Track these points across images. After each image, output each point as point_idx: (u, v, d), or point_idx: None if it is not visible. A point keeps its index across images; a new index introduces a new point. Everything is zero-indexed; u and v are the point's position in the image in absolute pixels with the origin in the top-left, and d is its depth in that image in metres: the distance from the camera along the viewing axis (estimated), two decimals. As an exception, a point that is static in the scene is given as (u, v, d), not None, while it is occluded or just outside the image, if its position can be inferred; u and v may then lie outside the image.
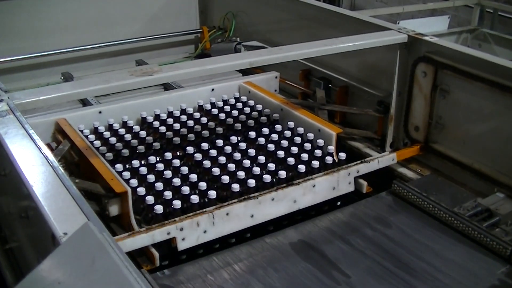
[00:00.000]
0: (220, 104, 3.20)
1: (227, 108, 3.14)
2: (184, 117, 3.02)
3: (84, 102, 3.32)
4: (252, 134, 2.81)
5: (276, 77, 3.50)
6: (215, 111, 3.13)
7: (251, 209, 2.35)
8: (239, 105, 3.18)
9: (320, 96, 3.36)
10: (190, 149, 2.68)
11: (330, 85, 3.43)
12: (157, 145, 2.72)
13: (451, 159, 2.82)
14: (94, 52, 4.19)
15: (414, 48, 2.82)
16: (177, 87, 3.52)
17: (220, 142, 2.72)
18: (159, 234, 2.17)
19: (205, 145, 2.67)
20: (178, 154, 2.73)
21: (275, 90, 3.50)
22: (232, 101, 3.21)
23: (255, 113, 3.09)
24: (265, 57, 2.46)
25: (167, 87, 3.60)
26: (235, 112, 3.08)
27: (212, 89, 3.27)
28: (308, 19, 3.57)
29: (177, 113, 3.06)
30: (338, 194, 2.62)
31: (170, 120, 2.97)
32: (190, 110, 3.09)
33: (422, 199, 2.59)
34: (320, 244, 2.36)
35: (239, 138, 2.84)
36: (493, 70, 2.54)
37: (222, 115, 3.05)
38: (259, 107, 3.12)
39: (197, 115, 3.05)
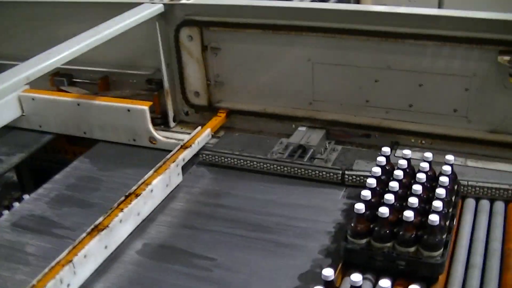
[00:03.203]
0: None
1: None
2: None
3: None
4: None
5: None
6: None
7: (105, 240, 2.05)
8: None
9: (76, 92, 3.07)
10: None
11: (77, 80, 3.15)
12: None
13: (241, 111, 2.79)
14: None
15: (173, 15, 2.67)
16: None
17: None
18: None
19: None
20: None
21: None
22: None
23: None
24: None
25: None
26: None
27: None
28: (34, 19, 3.16)
29: None
30: (170, 190, 2.42)
31: None
32: None
33: (237, 158, 2.53)
34: (167, 240, 2.17)
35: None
36: (261, 13, 2.56)
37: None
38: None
39: None
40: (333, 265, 1.94)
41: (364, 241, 1.90)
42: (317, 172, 2.41)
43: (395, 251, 1.86)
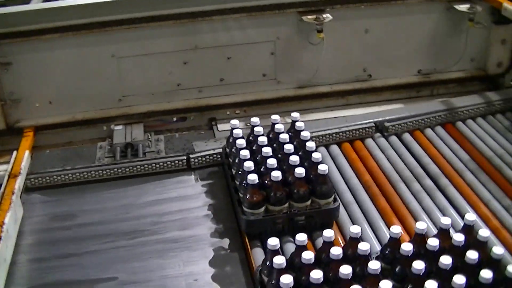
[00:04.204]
0: None
1: None
2: None
3: None
4: None
5: None
6: None
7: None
8: None
9: None
10: None
11: None
12: None
13: (48, 126, 2.57)
14: None
15: None
16: None
17: None
18: None
19: None
20: None
21: None
22: None
23: None
24: None
25: None
26: None
27: None
28: None
29: None
30: (18, 225, 2.13)
31: None
32: None
33: (72, 173, 2.35)
34: (51, 277, 1.93)
35: None
36: (57, 15, 2.39)
37: None
38: None
39: None
40: (236, 241, 1.99)
41: (262, 209, 1.97)
42: (161, 163, 2.38)
43: (294, 208, 1.98)
